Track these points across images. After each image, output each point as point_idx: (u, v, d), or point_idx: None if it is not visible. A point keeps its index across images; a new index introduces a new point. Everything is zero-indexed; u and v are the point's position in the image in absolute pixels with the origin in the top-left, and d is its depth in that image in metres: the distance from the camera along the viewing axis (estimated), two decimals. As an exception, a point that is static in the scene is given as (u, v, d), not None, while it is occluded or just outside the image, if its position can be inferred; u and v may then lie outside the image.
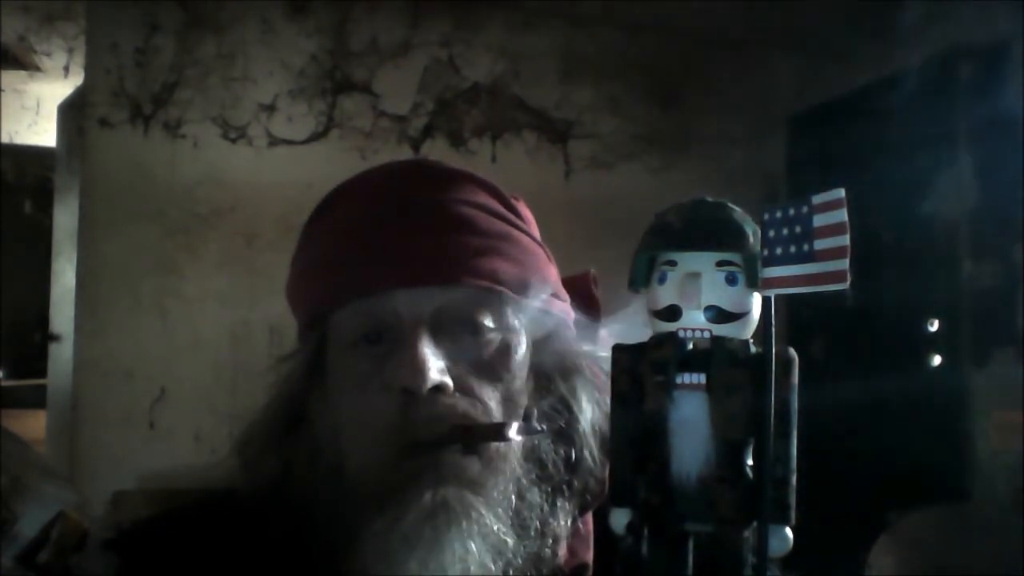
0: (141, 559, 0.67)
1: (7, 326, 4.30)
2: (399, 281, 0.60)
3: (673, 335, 0.42)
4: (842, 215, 0.39)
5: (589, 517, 0.67)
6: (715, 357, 0.42)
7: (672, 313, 0.42)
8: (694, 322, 0.42)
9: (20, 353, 4.41)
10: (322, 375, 0.66)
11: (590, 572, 0.65)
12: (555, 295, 0.67)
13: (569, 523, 0.63)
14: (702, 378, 0.41)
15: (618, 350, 0.45)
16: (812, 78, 2.76)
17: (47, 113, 3.95)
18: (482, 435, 0.58)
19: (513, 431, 0.58)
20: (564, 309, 0.68)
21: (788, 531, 0.41)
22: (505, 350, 0.62)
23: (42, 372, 3.29)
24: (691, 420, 0.41)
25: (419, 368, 0.57)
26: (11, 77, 3.86)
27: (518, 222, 0.66)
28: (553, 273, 0.68)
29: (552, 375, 0.65)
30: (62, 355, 2.79)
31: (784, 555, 0.41)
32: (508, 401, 0.62)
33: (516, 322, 0.63)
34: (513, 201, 0.68)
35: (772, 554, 0.40)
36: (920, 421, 2.15)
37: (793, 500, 0.41)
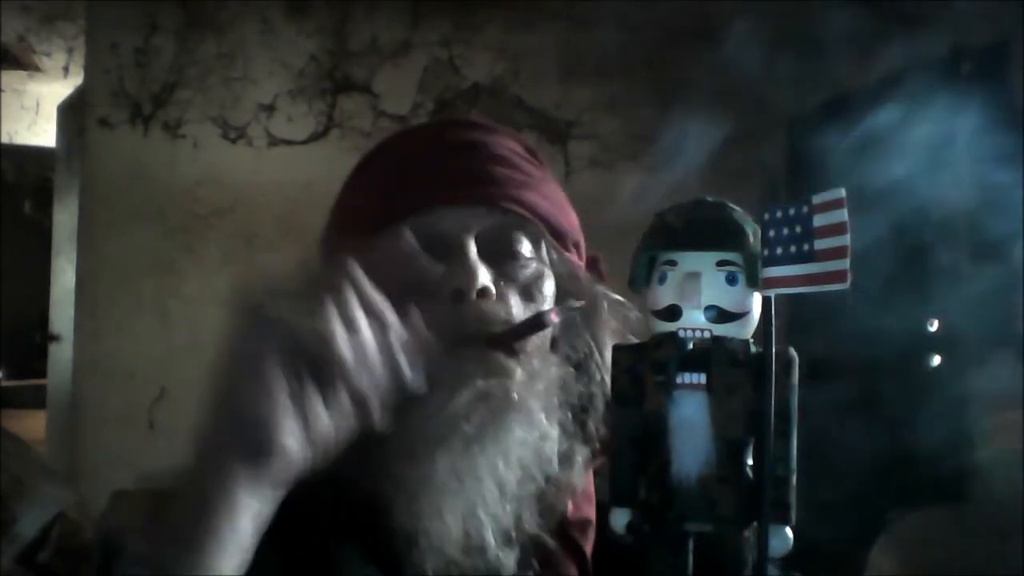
0: None
1: (7, 326, 4.30)
2: (444, 200, 0.63)
3: (673, 335, 0.42)
4: (842, 215, 0.39)
5: (591, 477, 0.68)
6: (715, 357, 0.42)
7: (672, 313, 0.42)
8: (694, 322, 0.42)
9: (20, 353, 4.42)
10: None
11: (592, 528, 0.66)
12: (576, 245, 0.70)
13: (581, 471, 0.65)
14: (702, 378, 0.41)
15: (618, 350, 0.45)
16: (812, 78, 2.76)
17: (47, 113, 3.95)
18: (526, 328, 0.61)
19: (554, 314, 0.61)
20: (580, 265, 0.71)
21: (788, 531, 0.41)
22: (539, 277, 0.65)
23: (42, 372, 3.29)
24: (691, 420, 0.41)
25: (470, 270, 0.60)
26: (11, 77, 3.86)
27: (547, 173, 0.70)
28: (576, 223, 0.71)
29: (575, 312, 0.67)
30: (62, 355, 2.79)
31: (784, 555, 0.41)
32: None
33: (548, 256, 0.66)
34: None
35: (772, 554, 0.40)
36: (920, 421, 2.15)
37: (793, 500, 0.41)
